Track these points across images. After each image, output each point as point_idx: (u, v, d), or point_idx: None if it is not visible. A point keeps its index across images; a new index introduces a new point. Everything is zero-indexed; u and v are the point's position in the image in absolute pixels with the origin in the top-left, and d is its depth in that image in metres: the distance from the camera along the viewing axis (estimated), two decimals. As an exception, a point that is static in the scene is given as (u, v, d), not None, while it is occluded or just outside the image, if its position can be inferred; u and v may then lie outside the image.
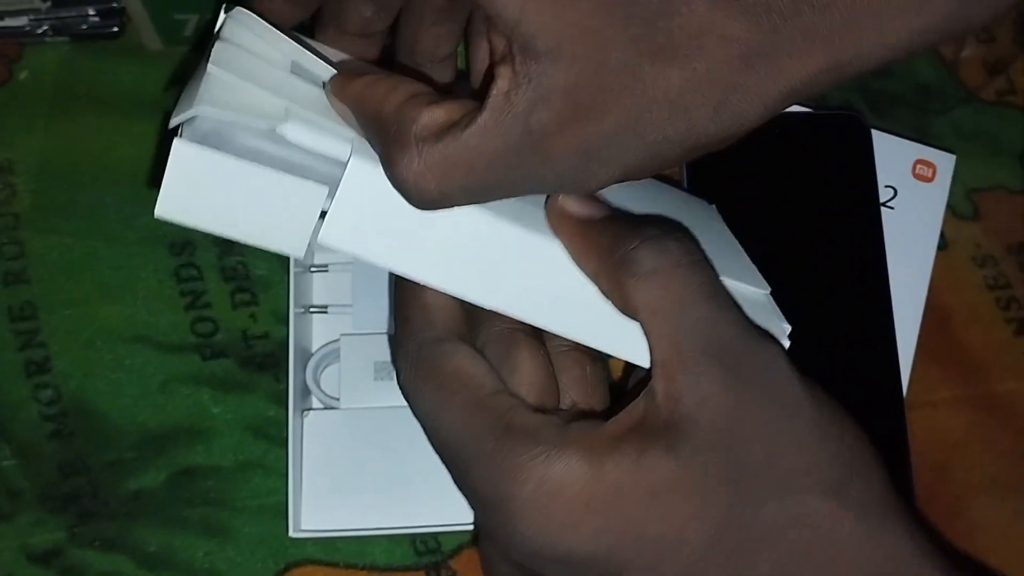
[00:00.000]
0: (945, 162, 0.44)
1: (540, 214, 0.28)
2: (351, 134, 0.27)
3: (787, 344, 0.29)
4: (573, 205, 0.27)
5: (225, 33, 0.28)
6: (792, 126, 0.43)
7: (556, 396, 0.29)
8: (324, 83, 0.29)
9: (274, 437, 0.41)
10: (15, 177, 0.44)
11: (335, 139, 0.26)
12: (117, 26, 0.45)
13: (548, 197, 0.28)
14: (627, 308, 0.27)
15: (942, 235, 0.45)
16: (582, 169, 0.26)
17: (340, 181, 0.26)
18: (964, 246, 0.45)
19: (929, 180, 0.44)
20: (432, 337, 0.29)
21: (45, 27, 0.45)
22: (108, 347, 0.42)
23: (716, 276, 0.27)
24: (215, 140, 0.25)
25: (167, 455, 0.41)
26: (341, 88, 0.28)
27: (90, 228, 0.43)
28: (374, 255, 0.27)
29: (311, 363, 0.41)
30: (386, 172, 0.26)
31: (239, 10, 0.29)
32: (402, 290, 0.30)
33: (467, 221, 0.27)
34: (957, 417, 0.43)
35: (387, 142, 0.26)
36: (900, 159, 0.44)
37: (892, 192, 0.44)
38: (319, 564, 0.40)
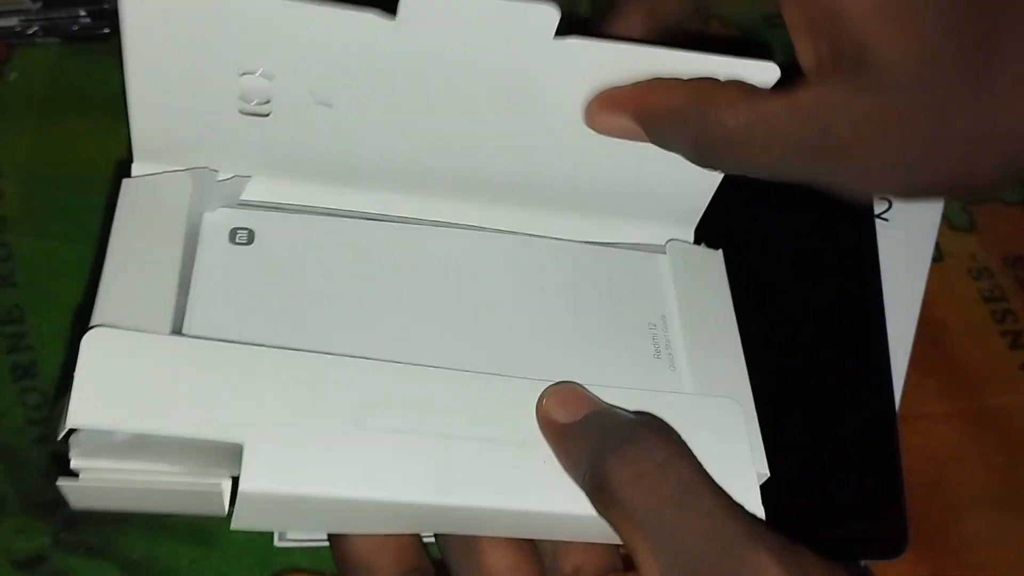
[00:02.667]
0: (941, 173, 0.44)
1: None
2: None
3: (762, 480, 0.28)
4: (556, 410, 0.25)
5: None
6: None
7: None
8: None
9: (262, 444, 0.41)
10: (3, 179, 0.44)
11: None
12: (108, 28, 0.45)
13: (539, 402, 0.26)
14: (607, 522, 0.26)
15: (937, 247, 0.45)
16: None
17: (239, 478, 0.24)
18: (960, 258, 0.45)
19: (925, 191, 0.44)
20: None
21: (36, 28, 0.45)
22: (95, 352, 0.42)
23: (694, 473, 0.25)
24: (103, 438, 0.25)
25: (153, 461, 0.41)
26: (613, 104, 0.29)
27: (79, 231, 0.43)
28: (286, 527, 0.27)
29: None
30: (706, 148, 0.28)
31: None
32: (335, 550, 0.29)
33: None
34: (950, 431, 0.43)
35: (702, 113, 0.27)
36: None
37: (887, 204, 0.44)
38: (305, 572, 0.40)
